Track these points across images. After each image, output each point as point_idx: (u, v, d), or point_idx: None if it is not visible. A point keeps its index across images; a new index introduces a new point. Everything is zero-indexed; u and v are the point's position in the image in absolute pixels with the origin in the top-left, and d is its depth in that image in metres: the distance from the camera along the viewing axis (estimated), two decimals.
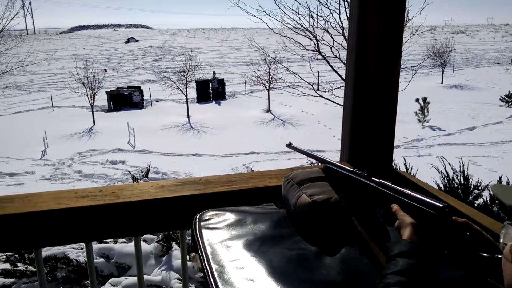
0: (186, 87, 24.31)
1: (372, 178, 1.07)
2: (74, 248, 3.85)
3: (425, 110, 19.89)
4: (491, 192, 0.79)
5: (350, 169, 1.17)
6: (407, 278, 0.75)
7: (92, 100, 23.05)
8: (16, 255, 3.27)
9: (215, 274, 0.98)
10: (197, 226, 1.20)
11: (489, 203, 3.52)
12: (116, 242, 3.68)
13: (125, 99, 26.43)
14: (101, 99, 25.13)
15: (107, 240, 3.65)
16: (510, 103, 22.95)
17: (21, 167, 15.27)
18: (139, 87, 28.97)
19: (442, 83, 30.74)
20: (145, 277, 3.05)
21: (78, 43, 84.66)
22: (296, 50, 12.25)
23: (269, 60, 22.98)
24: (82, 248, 3.76)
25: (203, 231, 1.17)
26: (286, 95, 24.53)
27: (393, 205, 0.95)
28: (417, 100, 19.85)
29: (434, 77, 32.70)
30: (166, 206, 1.34)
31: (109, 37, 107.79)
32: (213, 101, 28.04)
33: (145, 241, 3.64)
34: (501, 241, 0.68)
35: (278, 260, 1.02)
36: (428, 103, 19.87)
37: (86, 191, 1.33)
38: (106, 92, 26.23)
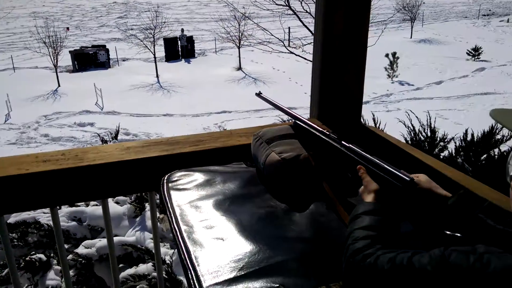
0: (154, 45, 23.61)
1: (343, 142, 1.06)
2: (44, 213, 3.78)
3: (395, 65, 20.10)
4: (492, 118, 0.79)
5: (321, 129, 1.15)
6: (375, 232, 0.78)
7: (55, 61, 22.16)
8: None
9: (184, 235, 0.98)
10: (165, 187, 1.18)
11: (454, 154, 3.64)
12: (87, 205, 3.64)
13: (90, 59, 25.52)
14: (65, 59, 24.16)
15: (78, 204, 3.60)
16: (476, 57, 23.40)
17: None
18: (104, 46, 27.92)
19: (411, 37, 30.92)
20: (120, 238, 3.05)
21: (37, 0, 79.97)
22: (266, 5, 11.99)
23: (239, 16, 22.43)
24: None
25: (172, 192, 1.15)
26: (257, 52, 24.18)
27: (359, 166, 0.96)
28: (387, 55, 19.98)
29: (403, 32, 32.81)
30: (132, 168, 1.30)
31: None
32: (183, 59, 27.41)
33: (117, 203, 3.61)
34: (511, 174, 0.68)
35: (248, 218, 1.02)
36: (397, 58, 20.05)
37: (47, 155, 1.28)
38: (70, 52, 25.22)
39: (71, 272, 2.86)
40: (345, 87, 1.55)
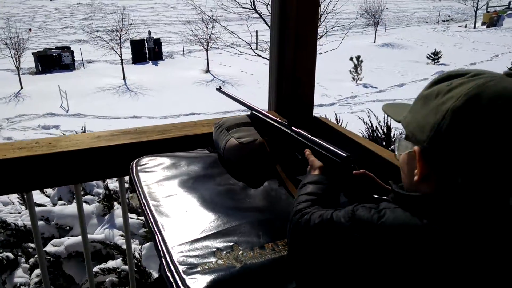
0: (120, 47, 23.31)
1: (292, 127, 1.21)
2: (11, 213, 3.78)
3: (359, 68, 20.63)
4: (384, 112, 0.93)
5: (273, 117, 1.31)
6: (316, 196, 0.92)
7: (18, 62, 21.50)
8: None
9: (152, 208, 1.10)
10: (134, 170, 1.30)
11: None
12: (55, 205, 3.66)
13: (54, 61, 24.89)
14: (28, 61, 23.48)
15: (45, 203, 3.62)
16: (435, 61, 24.36)
17: None
18: (69, 48, 27.32)
19: (375, 42, 31.79)
20: (89, 236, 3.09)
21: None
22: (233, 8, 12.13)
23: (206, 18, 22.49)
24: (19, 213, 3.71)
25: (140, 174, 1.27)
26: (225, 55, 24.31)
27: (306, 149, 1.12)
28: (351, 58, 20.50)
29: (367, 36, 33.70)
30: (103, 154, 1.41)
31: None
32: (150, 61, 27.16)
33: (86, 202, 3.65)
34: (396, 153, 0.80)
35: (209, 194, 1.16)
36: (362, 61, 20.60)
37: (22, 143, 1.37)
38: (33, 53, 24.49)
39: (38, 271, 2.88)
40: (298, 82, 1.71)
